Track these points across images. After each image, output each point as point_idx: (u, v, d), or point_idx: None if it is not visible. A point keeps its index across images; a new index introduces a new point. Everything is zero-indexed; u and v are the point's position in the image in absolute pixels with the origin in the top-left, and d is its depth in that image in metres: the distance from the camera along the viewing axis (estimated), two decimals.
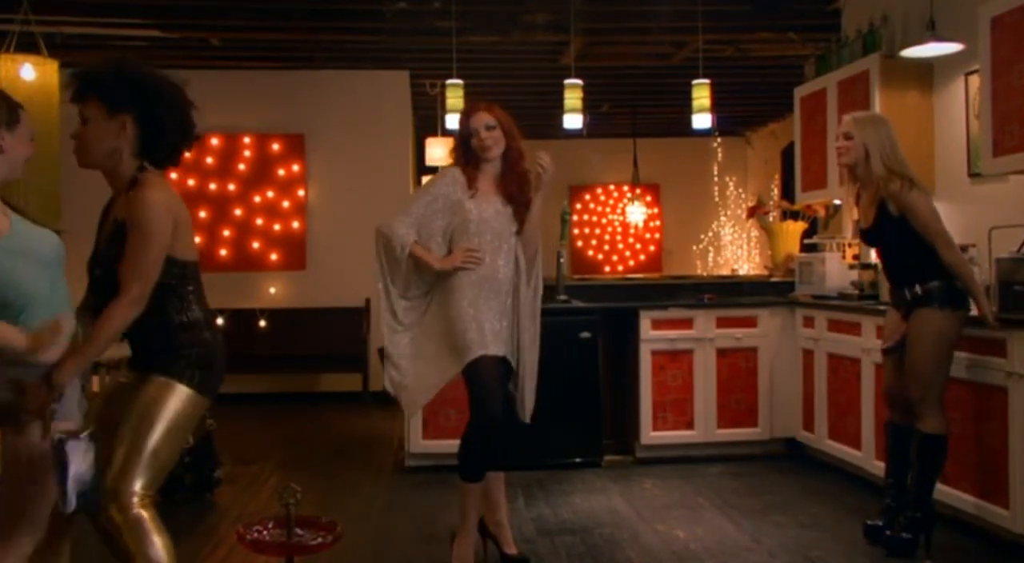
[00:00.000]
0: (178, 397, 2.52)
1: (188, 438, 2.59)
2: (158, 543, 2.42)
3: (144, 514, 2.43)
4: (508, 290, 3.55)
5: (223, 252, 8.38)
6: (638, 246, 12.49)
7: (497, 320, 3.50)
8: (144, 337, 2.62)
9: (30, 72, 5.09)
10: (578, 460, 5.42)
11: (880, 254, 3.98)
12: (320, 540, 2.40)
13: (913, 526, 3.73)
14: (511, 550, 3.62)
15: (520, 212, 3.57)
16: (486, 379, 3.42)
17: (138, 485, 2.45)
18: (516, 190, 3.56)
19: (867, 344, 4.74)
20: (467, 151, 3.56)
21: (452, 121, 6.44)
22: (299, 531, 2.41)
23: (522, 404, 3.63)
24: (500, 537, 3.64)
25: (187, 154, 2.80)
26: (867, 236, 3.94)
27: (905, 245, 3.74)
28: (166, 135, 2.62)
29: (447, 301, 3.50)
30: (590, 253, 12.43)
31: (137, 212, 2.52)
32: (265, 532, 2.46)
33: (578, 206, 12.32)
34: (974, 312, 3.76)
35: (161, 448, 2.50)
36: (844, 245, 5.89)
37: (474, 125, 3.52)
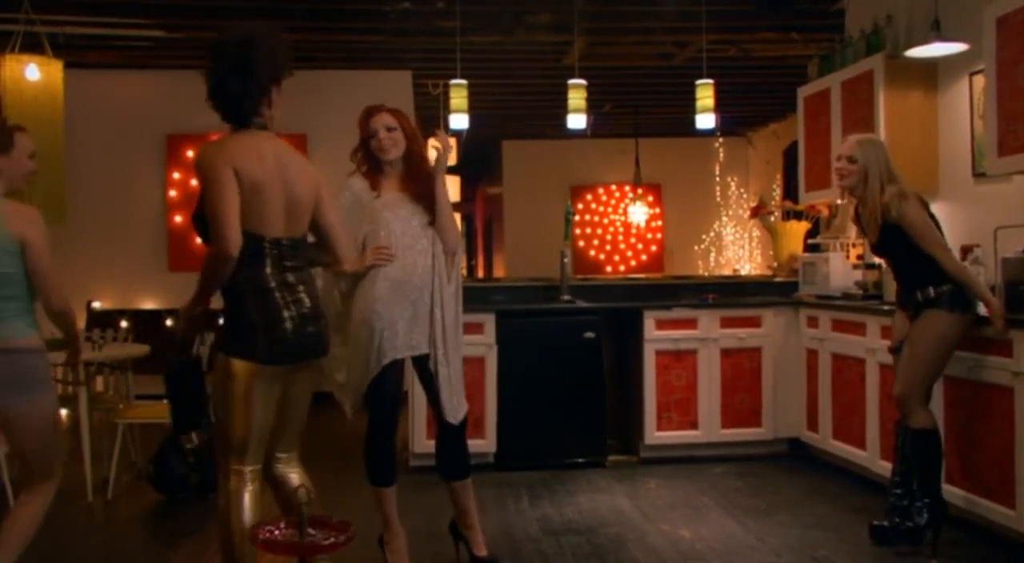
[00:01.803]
0: (240, 371, 2.69)
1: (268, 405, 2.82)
2: (235, 517, 2.70)
3: (233, 489, 2.72)
4: (427, 287, 3.46)
5: None
6: (640, 246, 12.49)
7: (414, 319, 3.42)
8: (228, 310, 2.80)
9: (35, 72, 5.11)
10: (582, 460, 5.43)
11: (891, 263, 4.03)
12: (333, 540, 2.41)
13: (923, 513, 3.77)
14: (481, 552, 3.64)
15: (431, 207, 3.50)
16: (387, 387, 3.42)
17: (229, 462, 2.74)
18: (421, 189, 3.50)
19: (871, 344, 4.74)
20: (367, 153, 3.52)
21: (455, 121, 6.44)
22: (311, 531, 2.42)
23: (448, 405, 3.50)
24: (470, 539, 3.66)
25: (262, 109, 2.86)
26: (877, 250, 4.01)
27: (913, 253, 3.81)
28: (212, 94, 2.75)
29: (361, 304, 3.41)
30: (592, 253, 12.42)
31: (195, 168, 2.72)
32: (277, 532, 2.47)
33: (580, 206, 12.31)
34: (983, 312, 3.80)
35: (233, 426, 2.72)
36: (848, 245, 5.89)
37: (374, 126, 3.47)
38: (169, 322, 5.32)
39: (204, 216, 2.76)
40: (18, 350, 2.89)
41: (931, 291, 3.78)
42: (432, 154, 3.56)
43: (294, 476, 3.00)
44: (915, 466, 3.81)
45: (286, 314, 2.74)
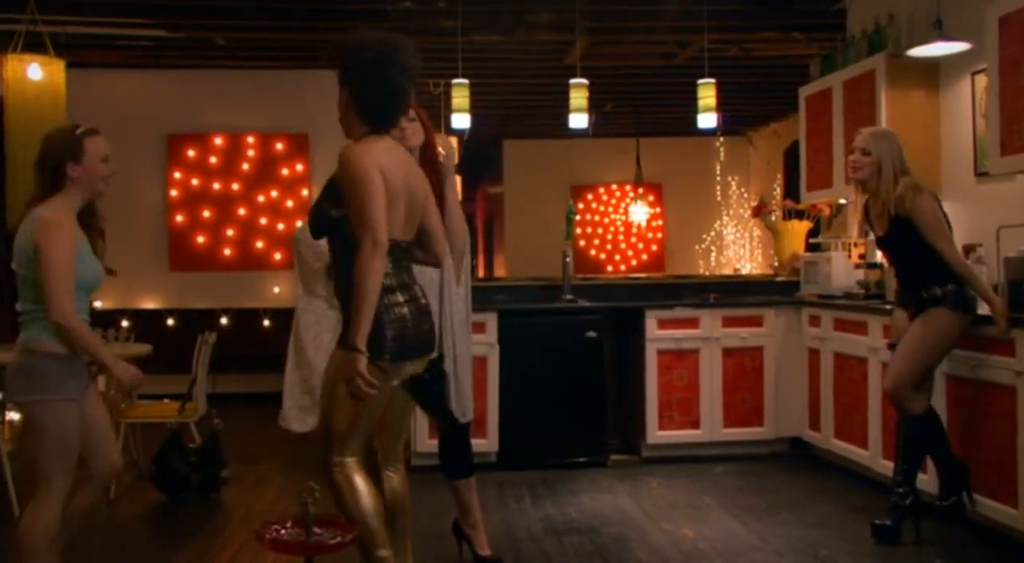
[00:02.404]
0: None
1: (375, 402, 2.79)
2: (354, 501, 2.70)
3: (341, 480, 2.73)
4: (436, 286, 3.42)
5: (227, 251, 8.39)
6: (641, 246, 12.48)
7: None
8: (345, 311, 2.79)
9: (37, 71, 5.11)
10: (584, 460, 5.43)
11: (895, 260, 4.04)
12: (339, 539, 2.41)
13: (951, 487, 3.86)
14: (484, 551, 3.65)
15: (442, 206, 3.45)
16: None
17: (333, 456, 2.73)
18: (435, 183, 3.42)
19: (873, 343, 4.74)
20: None
21: (457, 120, 6.45)
22: (317, 530, 2.42)
23: (457, 404, 3.50)
24: (474, 539, 3.67)
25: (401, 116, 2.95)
26: (883, 244, 4.01)
27: (920, 250, 3.82)
28: (365, 102, 2.83)
29: None
30: (592, 253, 12.42)
31: (339, 168, 2.75)
32: (284, 531, 2.47)
33: (581, 206, 12.29)
34: (983, 311, 3.81)
35: (340, 420, 2.73)
36: (850, 244, 5.89)
37: None
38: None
39: (323, 212, 2.85)
40: (36, 352, 2.96)
41: (936, 290, 3.80)
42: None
43: (395, 479, 3.05)
44: (928, 450, 3.89)
45: (407, 312, 2.80)
